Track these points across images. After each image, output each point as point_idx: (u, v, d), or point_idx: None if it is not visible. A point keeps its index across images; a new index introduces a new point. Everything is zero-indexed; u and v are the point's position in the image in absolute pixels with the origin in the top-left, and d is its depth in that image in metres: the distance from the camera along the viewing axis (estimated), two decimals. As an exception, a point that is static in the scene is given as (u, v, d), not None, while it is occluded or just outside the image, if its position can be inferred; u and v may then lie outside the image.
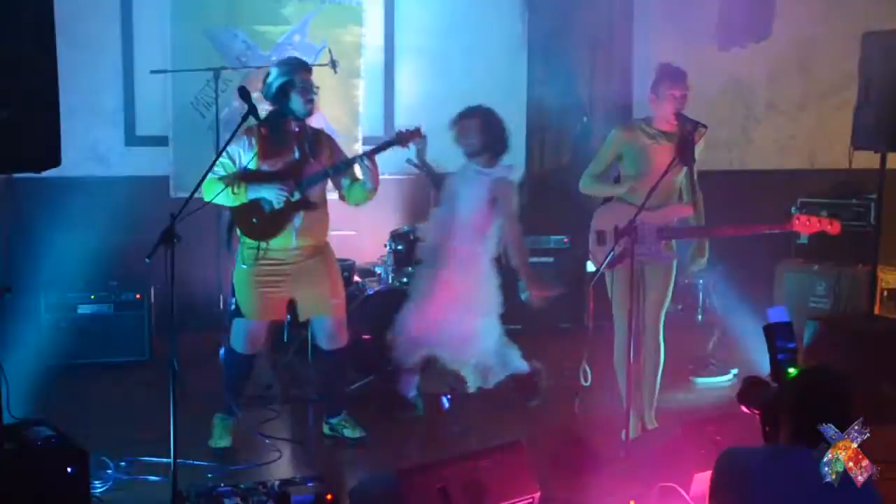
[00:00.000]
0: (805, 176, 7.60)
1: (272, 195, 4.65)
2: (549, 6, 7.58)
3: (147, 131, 6.94)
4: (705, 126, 4.59)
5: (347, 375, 5.31)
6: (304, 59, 6.64)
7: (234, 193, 4.58)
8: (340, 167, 4.84)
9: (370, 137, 7.13)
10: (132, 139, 6.97)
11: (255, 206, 4.68)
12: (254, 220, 4.70)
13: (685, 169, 4.72)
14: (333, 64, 6.17)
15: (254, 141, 4.67)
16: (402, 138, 4.89)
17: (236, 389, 4.94)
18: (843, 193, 6.84)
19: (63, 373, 5.66)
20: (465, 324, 5.22)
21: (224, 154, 4.60)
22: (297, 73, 4.74)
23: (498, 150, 5.26)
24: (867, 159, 5.76)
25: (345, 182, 4.93)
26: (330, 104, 7.01)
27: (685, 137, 4.61)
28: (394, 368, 5.40)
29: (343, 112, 7.10)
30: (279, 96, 4.69)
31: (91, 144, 6.75)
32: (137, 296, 6.20)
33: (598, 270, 4.64)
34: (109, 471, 4.38)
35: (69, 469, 3.67)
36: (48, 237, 6.32)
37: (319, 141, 4.88)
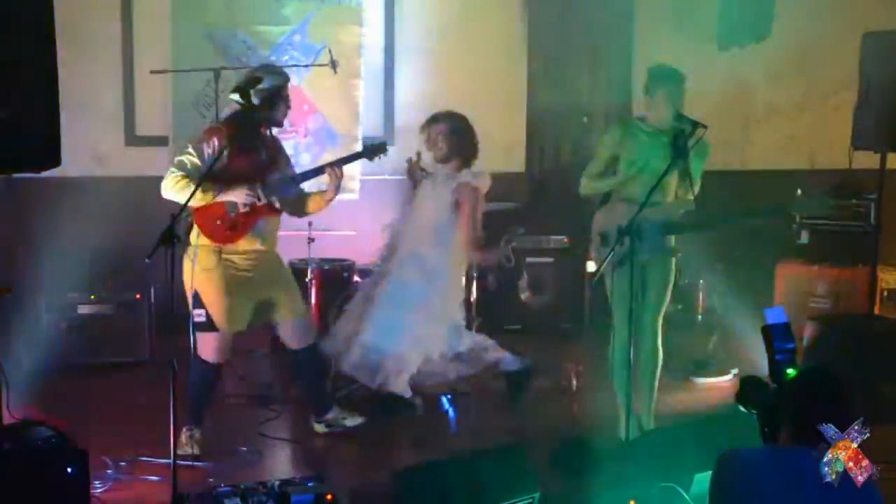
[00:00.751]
0: (805, 176, 7.59)
1: (240, 198, 4.60)
2: (549, 6, 7.58)
3: (147, 131, 6.95)
4: (705, 126, 4.58)
5: (326, 371, 5.21)
6: (304, 59, 6.75)
7: (201, 193, 4.44)
8: (309, 175, 4.84)
9: (370, 137, 7.13)
10: (132, 139, 6.98)
11: (219, 207, 4.61)
12: (218, 221, 4.63)
13: (682, 163, 4.72)
14: (333, 64, 6.18)
15: (224, 141, 4.55)
16: (368, 151, 4.92)
17: (206, 400, 4.82)
18: (843, 193, 6.83)
19: (63, 373, 5.65)
20: (415, 329, 5.15)
21: (192, 152, 4.54)
22: (286, 84, 4.75)
23: (467, 156, 5.25)
24: (867, 159, 5.75)
25: (298, 191, 4.90)
26: (330, 104, 7.03)
27: (679, 133, 4.63)
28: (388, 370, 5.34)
29: (343, 112, 7.10)
30: (266, 102, 4.66)
31: (91, 144, 6.75)
32: (137, 296, 6.19)
33: (597, 271, 4.63)
34: (109, 471, 4.38)
35: (69, 469, 3.67)
36: (48, 237, 6.32)
37: (278, 148, 4.89)
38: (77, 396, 5.49)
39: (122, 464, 4.49)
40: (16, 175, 4.51)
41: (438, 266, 5.22)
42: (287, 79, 4.80)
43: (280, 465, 4.78)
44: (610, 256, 4.51)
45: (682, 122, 4.63)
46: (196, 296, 4.63)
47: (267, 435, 5.08)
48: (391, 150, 5.02)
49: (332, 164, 4.83)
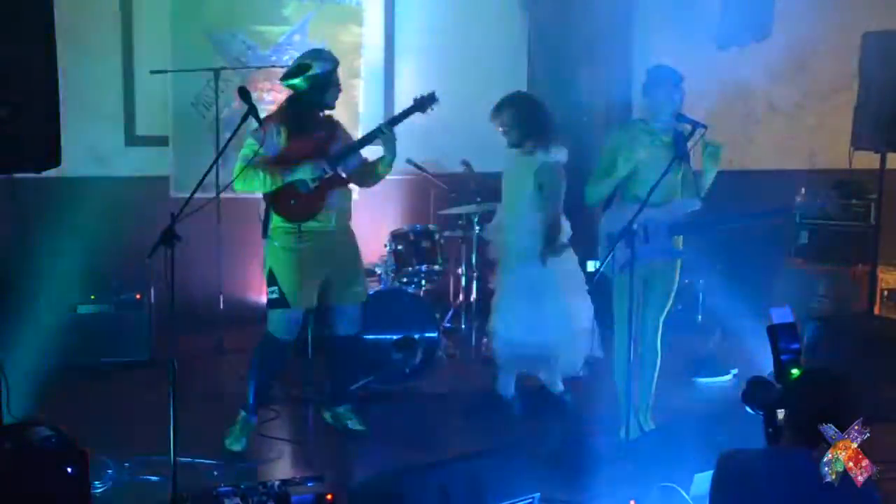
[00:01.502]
0: (805, 176, 7.60)
1: (307, 174, 4.68)
2: (549, 6, 7.58)
3: (147, 131, 6.95)
4: (705, 126, 4.58)
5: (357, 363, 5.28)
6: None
7: (270, 178, 4.60)
8: (368, 138, 4.89)
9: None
10: (132, 139, 6.97)
11: (291, 188, 4.71)
12: (292, 201, 4.72)
13: (684, 165, 4.72)
14: (333, 64, 6.17)
15: (281, 127, 4.68)
16: (421, 104, 4.88)
17: (271, 381, 4.94)
18: (843, 193, 6.84)
19: (63, 373, 5.65)
20: (544, 316, 5.17)
21: (255, 141, 4.59)
22: (336, 69, 4.82)
23: (537, 136, 5.22)
24: (867, 159, 5.76)
25: (358, 163, 4.95)
26: (330, 104, 7.02)
27: (679, 134, 4.63)
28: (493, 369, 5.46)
29: (343, 112, 7.02)
30: (318, 87, 4.75)
31: (91, 144, 6.74)
32: (137, 296, 6.19)
33: (596, 271, 4.61)
34: (109, 471, 4.38)
35: (69, 469, 3.67)
36: (48, 237, 6.31)
37: (334, 124, 4.98)
38: (77, 396, 5.49)
39: (123, 464, 4.48)
40: (16, 175, 4.51)
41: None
42: (336, 63, 4.84)
43: (280, 465, 4.78)
44: (610, 257, 4.51)
45: (682, 123, 4.64)
46: (271, 274, 4.76)
47: (267, 435, 5.08)
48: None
49: (385, 125, 4.87)
